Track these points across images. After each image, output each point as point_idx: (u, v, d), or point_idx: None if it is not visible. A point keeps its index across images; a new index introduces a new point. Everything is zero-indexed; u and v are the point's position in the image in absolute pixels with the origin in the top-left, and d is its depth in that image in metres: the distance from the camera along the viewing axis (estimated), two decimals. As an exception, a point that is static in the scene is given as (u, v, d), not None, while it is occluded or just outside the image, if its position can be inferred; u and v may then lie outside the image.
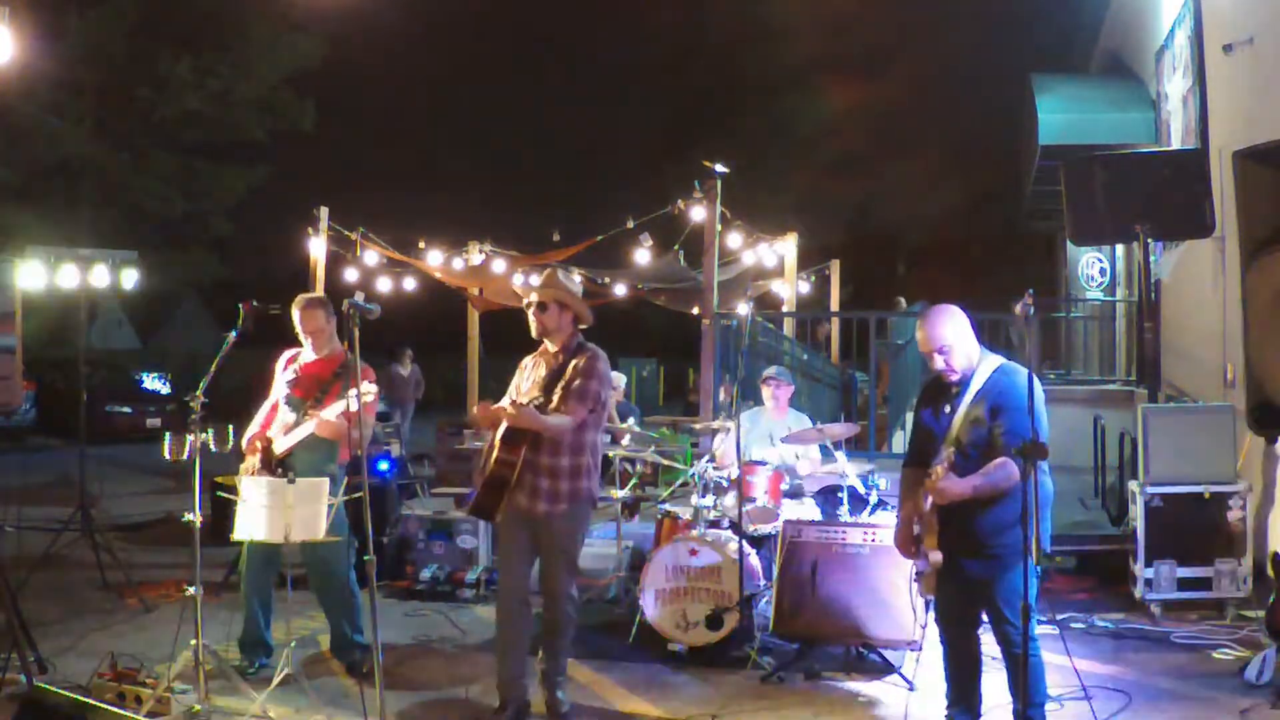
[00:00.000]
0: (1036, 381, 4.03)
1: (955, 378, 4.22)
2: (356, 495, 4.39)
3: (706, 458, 6.57)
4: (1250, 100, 7.69)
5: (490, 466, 4.64)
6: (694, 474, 6.35)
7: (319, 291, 9.33)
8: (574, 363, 4.74)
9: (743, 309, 10.06)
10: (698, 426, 7.29)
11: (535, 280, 5.52)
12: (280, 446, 5.24)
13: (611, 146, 35.03)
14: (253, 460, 5.27)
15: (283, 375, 5.49)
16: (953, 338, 4.20)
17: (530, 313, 4.83)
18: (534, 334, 4.86)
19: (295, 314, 5.44)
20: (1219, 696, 4.90)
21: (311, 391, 5.35)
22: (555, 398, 4.65)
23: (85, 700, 4.33)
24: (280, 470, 5.18)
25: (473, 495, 4.80)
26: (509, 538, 4.79)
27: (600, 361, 4.75)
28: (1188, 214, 7.07)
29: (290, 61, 24.77)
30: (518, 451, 4.59)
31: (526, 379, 4.86)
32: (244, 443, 5.35)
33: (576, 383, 4.65)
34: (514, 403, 4.60)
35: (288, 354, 5.58)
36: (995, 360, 4.24)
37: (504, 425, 4.62)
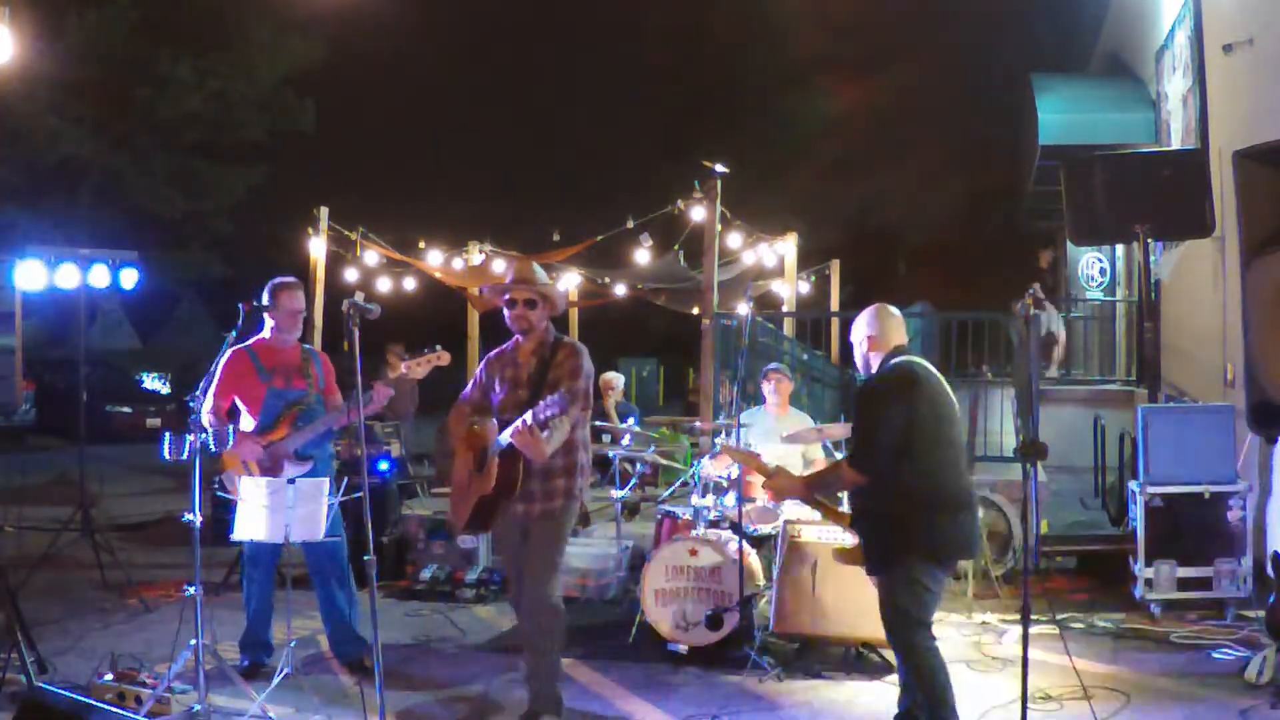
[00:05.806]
0: (923, 374, 4.04)
1: (863, 375, 4.33)
2: (356, 495, 4.39)
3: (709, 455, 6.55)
4: (1250, 100, 7.68)
5: (492, 480, 4.48)
6: (695, 472, 6.35)
7: (319, 291, 9.34)
8: (557, 359, 4.59)
9: (743, 309, 10.06)
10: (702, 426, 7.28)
11: (501, 272, 5.31)
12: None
13: (612, 146, 34.97)
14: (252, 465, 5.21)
15: (251, 370, 5.29)
16: (856, 336, 4.28)
17: (514, 311, 4.64)
18: (516, 331, 4.69)
19: (284, 296, 5.29)
20: (1219, 696, 4.90)
21: (293, 379, 5.32)
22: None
23: (85, 700, 4.32)
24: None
25: (465, 512, 4.64)
26: (510, 543, 4.70)
27: (584, 357, 4.62)
28: (1188, 214, 7.08)
29: (290, 61, 24.79)
30: (518, 462, 4.46)
31: (495, 379, 4.71)
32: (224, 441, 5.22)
33: (566, 385, 4.47)
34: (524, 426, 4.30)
35: (235, 349, 5.20)
36: (888, 364, 4.14)
37: (502, 440, 4.43)
